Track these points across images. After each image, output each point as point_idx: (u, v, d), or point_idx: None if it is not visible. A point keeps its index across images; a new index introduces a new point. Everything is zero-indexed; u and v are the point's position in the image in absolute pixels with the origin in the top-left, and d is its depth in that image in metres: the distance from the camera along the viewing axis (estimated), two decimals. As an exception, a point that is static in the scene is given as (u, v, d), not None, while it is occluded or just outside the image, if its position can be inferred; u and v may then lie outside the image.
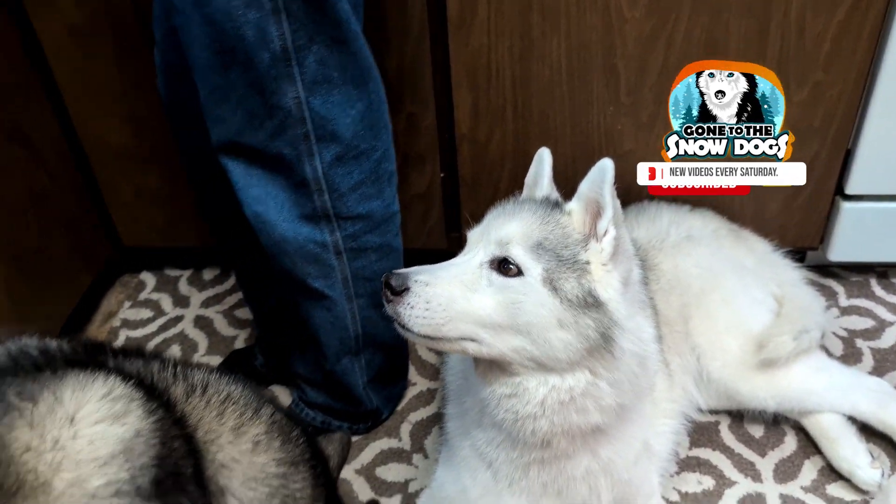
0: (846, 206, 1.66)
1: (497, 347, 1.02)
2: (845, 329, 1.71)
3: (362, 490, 1.47)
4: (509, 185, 1.65)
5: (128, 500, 0.71)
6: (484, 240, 1.06)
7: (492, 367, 1.06)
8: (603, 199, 1.01)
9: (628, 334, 1.02)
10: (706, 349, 1.47)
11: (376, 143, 1.32)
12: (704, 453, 1.49)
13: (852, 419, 1.46)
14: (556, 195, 1.13)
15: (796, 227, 1.70)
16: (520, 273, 1.01)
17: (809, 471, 1.45)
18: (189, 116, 1.31)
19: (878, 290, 1.79)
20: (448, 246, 1.78)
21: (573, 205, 1.05)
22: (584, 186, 1.04)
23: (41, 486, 0.68)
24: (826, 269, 1.85)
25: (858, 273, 1.84)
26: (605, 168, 0.99)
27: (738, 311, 1.48)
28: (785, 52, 1.45)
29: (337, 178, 1.29)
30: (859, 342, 1.68)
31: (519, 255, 1.01)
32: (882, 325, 1.71)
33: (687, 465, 1.48)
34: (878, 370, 1.61)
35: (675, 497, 1.42)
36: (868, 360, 1.64)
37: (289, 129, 1.19)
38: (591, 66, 1.50)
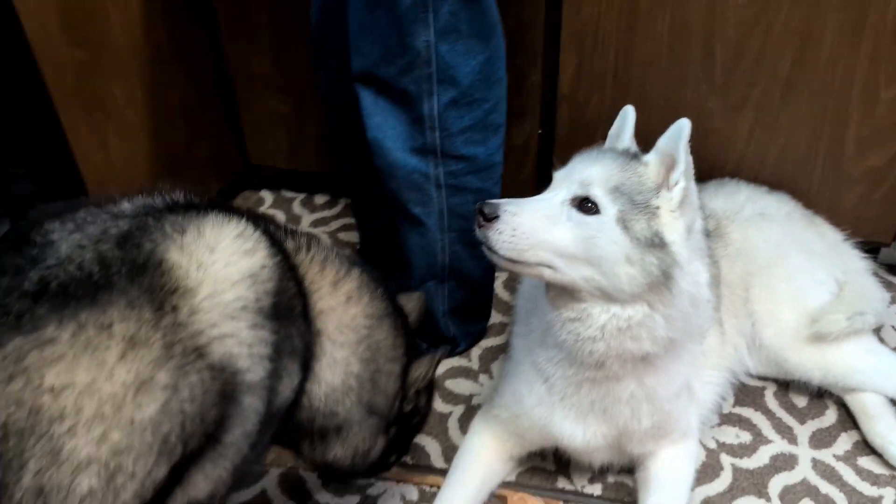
0: (923, 206, 1.74)
1: (570, 275, 1.17)
2: (904, 324, 1.79)
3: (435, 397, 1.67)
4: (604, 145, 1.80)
5: (251, 315, 0.91)
6: (567, 180, 1.21)
7: (562, 293, 1.21)
8: (678, 153, 1.15)
9: (687, 275, 1.16)
10: (762, 317, 1.59)
11: (489, 95, 1.48)
12: (747, 412, 1.62)
13: (894, 402, 1.56)
14: (635, 148, 1.27)
15: (872, 220, 1.78)
16: (597, 212, 1.15)
17: (844, 442, 1.55)
18: (333, 45, 1.51)
19: (945, 294, 1.85)
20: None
21: (651, 157, 1.20)
22: (663, 142, 1.18)
23: (189, 291, 0.89)
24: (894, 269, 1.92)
25: (928, 276, 1.91)
26: (682, 126, 1.13)
27: (799, 286, 1.59)
28: (878, 50, 1.54)
29: (449, 120, 1.47)
30: (917, 338, 1.75)
31: (598, 195, 1.16)
32: (942, 327, 1.78)
33: (728, 419, 1.60)
34: (930, 365, 1.69)
35: (712, 445, 1.55)
36: (922, 355, 1.71)
37: (416, 69, 1.37)
38: (690, 45, 1.63)
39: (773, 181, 1.76)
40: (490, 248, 1.18)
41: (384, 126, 1.47)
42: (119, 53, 1.61)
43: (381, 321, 1.14)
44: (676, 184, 1.15)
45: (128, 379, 0.82)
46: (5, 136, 1.53)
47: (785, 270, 1.60)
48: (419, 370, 1.21)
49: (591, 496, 1.47)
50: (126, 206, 0.97)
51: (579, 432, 1.33)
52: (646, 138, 1.53)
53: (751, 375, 1.66)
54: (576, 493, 1.48)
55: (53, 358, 0.79)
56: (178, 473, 0.88)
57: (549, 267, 1.17)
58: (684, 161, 1.15)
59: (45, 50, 1.41)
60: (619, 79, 1.71)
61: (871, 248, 1.82)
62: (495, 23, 1.43)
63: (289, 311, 0.99)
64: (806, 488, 1.47)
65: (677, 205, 1.15)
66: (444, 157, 1.51)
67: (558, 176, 1.25)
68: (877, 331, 1.75)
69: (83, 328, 0.81)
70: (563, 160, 1.86)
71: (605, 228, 1.14)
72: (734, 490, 1.47)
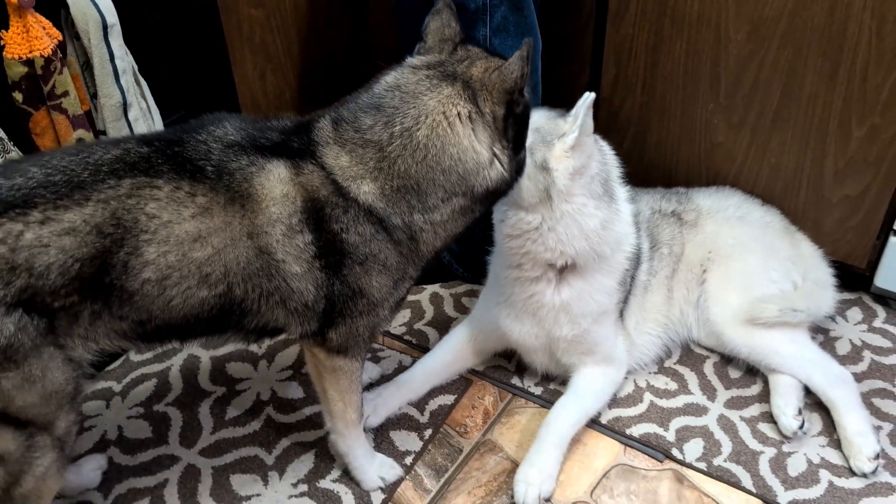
0: (893, 241, 1.96)
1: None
2: (861, 340, 2.01)
3: (448, 304, 2.18)
4: (631, 144, 2.21)
5: (284, 225, 1.31)
6: None
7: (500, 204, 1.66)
8: (577, 112, 1.56)
9: (567, 202, 1.58)
10: (712, 296, 1.93)
11: (530, 79, 1.96)
12: (683, 370, 1.96)
13: (808, 392, 1.84)
14: (574, 112, 1.63)
15: (849, 244, 2.02)
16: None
17: (754, 409, 1.86)
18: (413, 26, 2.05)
19: (915, 326, 2.05)
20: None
21: (569, 116, 1.61)
22: (576, 107, 1.58)
23: (255, 200, 1.29)
24: (883, 298, 2.13)
25: (909, 310, 2.10)
26: (586, 96, 1.54)
27: (750, 279, 1.91)
28: (850, 92, 1.82)
29: None
30: (867, 353, 1.98)
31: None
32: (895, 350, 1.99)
33: (665, 371, 1.96)
34: (865, 375, 1.92)
35: (642, 384, 1.92)
36: (862, 366, 1.95)
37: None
38: (700, 69, 1.99)
39: (766, 196, 2.06)
40: None
41: None
42: (284, 13, 2.26)
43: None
44: (570, 133, 1.57)
45: (191, 229, 1.25)
46: (186, 75, 2.22)
47: (742, 264, 1.92)
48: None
49: (532, 394, 1.91)
50: (247, 129, 1.38)
51: (516, 328, 1.80)
52: (666, 143, 1.97)
53: (697, 344, 2.00)
54: (522, 389, 1.93)
55: (155, 197, 1.27)
56: (231, 302, 1.35)
57: None
58: (581, 118, 1.55)
59: (230, 10, 2.08)
60: (646, 89, 2.10)
61: (865, 277, 2.07)
62: (534, 26, 1.90)
63: (321, 220, 1.33)
64: (702, 432, 1.81)
65: (568, 147, 1.56)
66: None
67: None
68: (832, 340, 2.01)
69: (178, 189, 1.28)
70: (601, 151, 2.28)
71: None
72: (642, 418, 1.85)
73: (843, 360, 1.95)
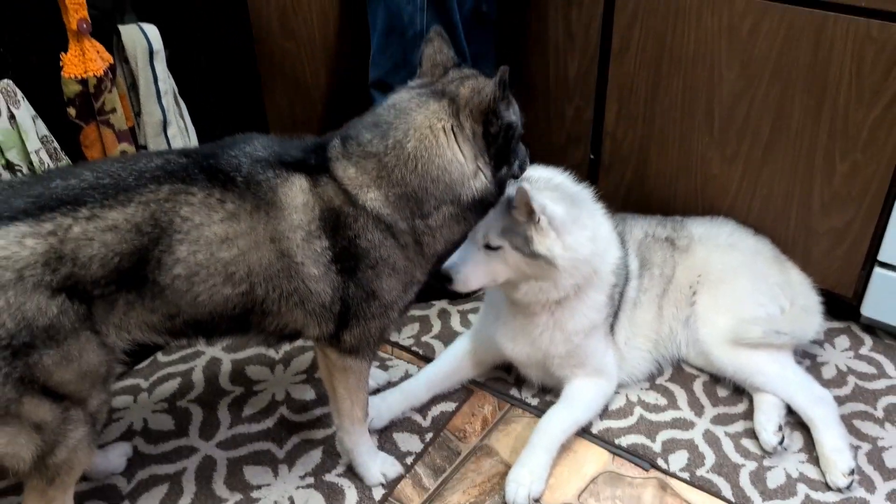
0: (878, 271, 2.06)
1: (503, 278, 1.79)
2: (847, 366, 2.10)
3: (455, 320, 2.31)
4: (633, 175, 2.34)
5: (304, 231, 1.46)
6: (479, 232, 1.76)
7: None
8: (534, 205, 1.67)
9: (564, 258, 1.73)
10: (701, 317, 2.04)
11: None
12: (673, 387, 2.07)
13: (791, 411, 1.93)
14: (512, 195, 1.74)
15: (836, 273, 2.13)
16: (500, 247, 1.76)
17: (739, 426, 1.95)
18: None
19: (900, 355, 2.14)
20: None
21: (514, 209, 1.72)
22: (515, 199, 1.70)
23: (278, 208, 1.45)
24: (871, 328, 2.22)
25: (894, 338, 2.18)
26: (522, 191, 1.65)
27: (738, 302, 2.01)
28: (833, 129, 1.94)
29: None
30: (851, 377, 2.07)
31: (495, 239, 1.75)
32: (880, 376, 2.07)
33: (656, 388, 2.07)
34: (848, 398, 2.01)
35: (633, 399, 2.03)
36: (846, 389, 2.04)
37: (413, 78, 2.02)
38: (696, 104, 2.13)
39: (758, 226, 2.18)
40: (459, 290, 1.81)
41: None
42: (314, 45, 2.44)
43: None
44: (538, 221, 1.70)
45: (219, 232, 1.40)
46: (222, 100, 2.39)
47: (731, 288, 2.04)
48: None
49: (529, 405, 2.03)
50: (275, 148, 1.56)
51: (511, 347, 1.94)
52: (664, 174, 2.11)
53: (688, 364, 2.11)
54: (520, 400, 2.05)
55: (189, 202, 1.43)
56: (252, 301, 1.50)
57: (493, 280, 1.81)
58: (541, 210, 1.69)
59: (263, 41, 2.27)
60: (646, 123, 2.24)
61: (854, 307, 2.17)
62: (464, 51, 2.05)
63: (336, 227, 1.48)
64: (688, 444, 1.91)
65: (546, 229, 1.70)
66: None
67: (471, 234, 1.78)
68: (818, 365, 2.11)
69: (210, 196, 1.44)
70: (605, 181, 2.43)
71: (508, 255, 1.75)
72: (631, 430, 1.95)
73: (828, 384, 2.04)
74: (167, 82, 1.84)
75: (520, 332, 1.91)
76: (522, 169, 1.70)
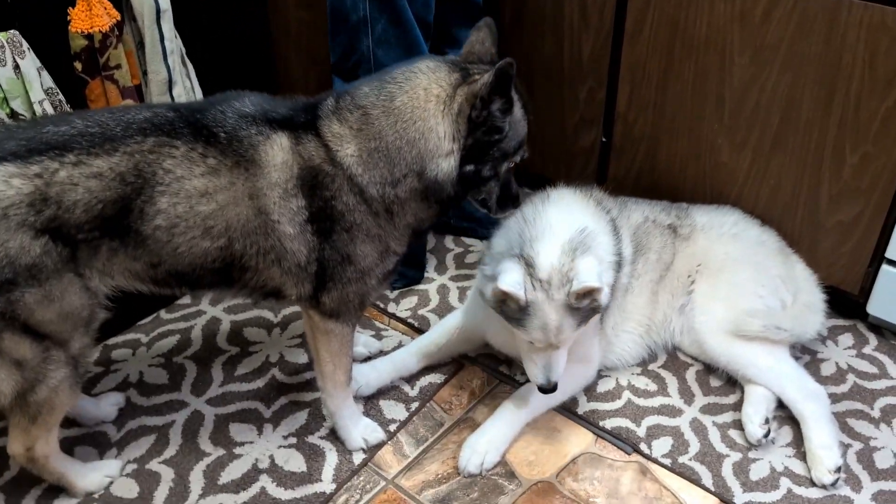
0: (885, 269, 2.00)
1: None
2: (848, 364, 2.05)
3: (453, 295, 2.32)
4: (643, 159, 2.32)
5: (280, 189, 1.48)
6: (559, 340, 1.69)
7: None
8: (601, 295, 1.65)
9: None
10: (698, 306, 2.01)
11: None
12: (665, 374, 2.05)
13: (781, 405, 1.90)
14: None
15: (842, 269, 2.07)
16: None
17: (728, 417, 1.92)
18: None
19: (905, 356, 2.08)
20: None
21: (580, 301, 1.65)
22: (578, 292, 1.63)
23: (259, 166, 1.47)
24: (877, 328, 2.16)
25: (901, 340, 2.13)
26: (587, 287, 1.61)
27: (737, 292, 1.98)
28: (844, 120, 1.89)
29: None
30: (851, 376, 2.02)
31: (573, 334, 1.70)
32: (881, 377, 2.02)
33: (647, 373, 2.05)
34: (845, 396, 1.97)
35: (623, 383, 2.01)
36: (844, 387, 1.99)
37: (363, 64, 2.00)
38: (707, 90, 2.09)
39: (765, 217, 2.14)
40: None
41: None
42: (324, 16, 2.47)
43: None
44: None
45: (199, 186, 1.44)
46: (233, 65, 2.43)
47: (731, 277, 2.00)
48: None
49: (518, 382, 2.03)
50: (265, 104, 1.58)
51: (497, 338, 1.97)
52: (675, 160, 2.09)
53: (681, 352, 2.08)
54: (509, 377, 2.05)
55: (172, 155, 1.46)
56: (231, 256, 1.52)
57: None
58: (605, 297, 1.68)
59: (279, 10, 2.30)
60: (657, 108, 2.21)
61: (861, 305, 2.11)
62: (416, 41, 2.01)
63: (314, 187, 1.49)
64: (673, 431, 1.89)
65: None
66: None
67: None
68: (818, 361, 2.06)
69: (192, 150, 1.47)
70: (615, 164, 2.41)
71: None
72: (618, 413, 1.94)
73: (826, 381, 2.00)
74: (174, 42, 1.87)
75: (508, 329, 1.84)
76: (504, 196, 1.65)
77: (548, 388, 1.74)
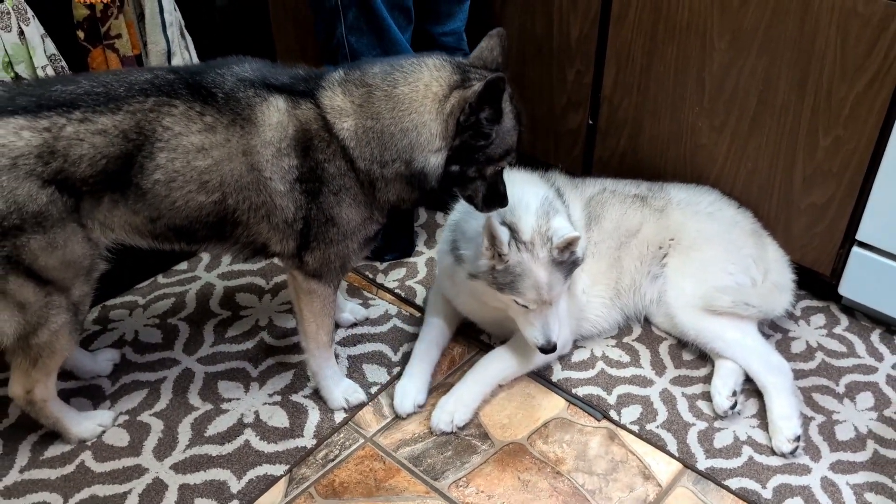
0: (856, 251, 2.06)
1: None
2: (818, 343, 2.12)
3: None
4: (627, 141, 2.38)
5: (274, 148, 1.57)
6: (548, 297, 1.79)
7: None
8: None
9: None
10: (670, 281, 2.08)
11: None
12: (639, 346, 2.12)
13: (749, 380, 1.96)
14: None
15: (815, 250, 2.14)
16: None
17: (697, 388, 2.00)
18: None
19: (873, 336, 2.14)
20: (583, 170, 2.54)
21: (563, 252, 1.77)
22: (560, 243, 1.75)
23: (255, 125, 1.56)
24: (850, 310, 2.22)
25: (872, 321, 2.18)
26: (567, 237, 1.73)
27: (707, 268, 2.05)
28: (817, 104, 1.95)
29: None
30: (819, 353, 2.09)
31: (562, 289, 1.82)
32: (849, 355, 2.08)
33: (622, 345, 2.12)
34: (812, 372, 2.03)
35: (598, 353, 2.09)
36: (812, 364, 2.05)
37: (340, 49, 2.08)
38: (688, 73, 2.15)
39: (742, 198, 2.20)
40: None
41: None
42: None
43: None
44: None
45: (196, 142, 1.54)
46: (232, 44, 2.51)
47: (702, 254, 2.07)
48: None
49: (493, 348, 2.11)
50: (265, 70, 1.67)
51: (469, 309, 2.04)
52: (657, 142, 2.16)
53: (655, 326, 2.16)
54: (487, 345, 2.12)
55: (171, 114, 1.55)
56: (224, 210, 1.61)
57: None
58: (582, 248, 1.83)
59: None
60: (641, 90, 2.27)
61: (835, 286, 2.18)
62: (388, 28, 2.07)
63: (307, 149, 1.59)
64: (643, 400, 1.97)
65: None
66: None
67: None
68: (789, 340, 2.13)
69: (190, 109, 1.56)
70: (601, 146, 2.47)
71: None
72: (590, 381, 2.02)
73: (794, 357, 2.07)
74: (173, 14, 1.96)
75: (477, 300, 1.94)
76: (491, 195, 1.69)
77: (548, 348, 1.83)
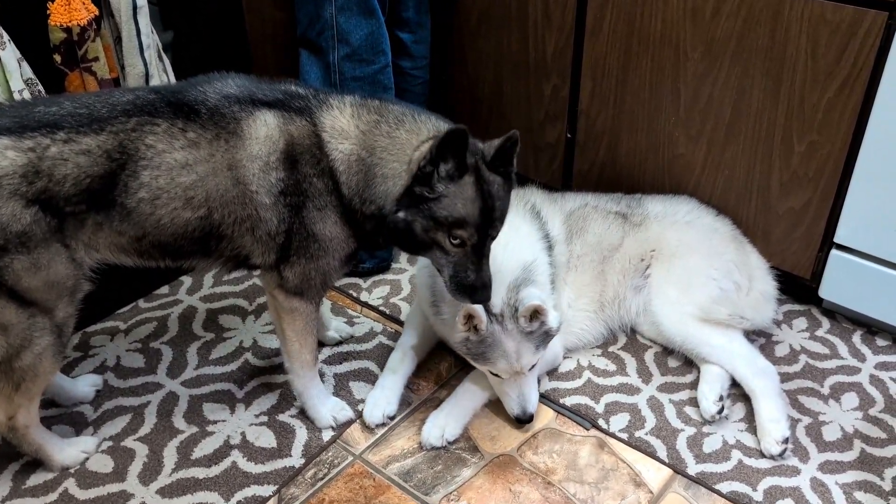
0: (835, 253, 2.09)
1: None
2: (801, 346, 2.14)
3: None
4: (605, 153, 2.41)
5: (262, 162, 1.58)
6: (523, 366, 1.81)
7: None
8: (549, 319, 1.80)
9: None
10: (654, 289, 2.10)
11: (375, 59, 2.21)
12: (624, 355, 2.13)
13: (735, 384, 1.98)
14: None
15: (794, 254, 2.16)
16: None
17: (684, 395, 2.00)
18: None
19: (854, 337, 2.17)
20: (563, 184, 2.56)
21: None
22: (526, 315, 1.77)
23: (241, 139, 1.57)
24: (831, 313, 2.25)
25: (853, 323, 2.21)
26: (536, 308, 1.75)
27: (690, 275, 2.07)
28: (790, 111, 1.99)
29: (345, 69, 2.21)
30: (803, 356, 2.11)
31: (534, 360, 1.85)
32: (832, 357, 2.11)
33: (608, 355, 2.13)
34: (797, 375, 2.05)
35: (584, 363, 2.09)
36: (796, 367, 2.07)
37: (325, 31, 2.14)
38: (664, 84, 2.19)
39: (721, 206, 2.23)
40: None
41: (310, 71, 2.25)
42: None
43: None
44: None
45: (179, 158, 1.56)
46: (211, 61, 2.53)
47: (684, 262, 2.09)
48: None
49: (482, 364, 2.10)
50: (250, 86, 1.67)
51: (437, 327, 2.01)
52: (634, 153, 2.19)
53: (640, 335, 2.17)
54: (474, 360, 2.12)
55: (153, 132, 1.56)
56: (210, 225, 1.61)
57: None
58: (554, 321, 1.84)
59: (253, 10, 2.37)
60: (617, 102, 2.30)
61: (813, 290, 2.20)
62: (375, 8, 2.16)
63: (295, 163, 1.59)
64: (631, 408, 1.97)
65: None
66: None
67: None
68: (772, 344, 2.15)
69: (172, 126, 1.57)
70: (580, 160, 2.49)
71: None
72: (577, 391, 2.02)
73: (778, 361, 2.09)
74: (150, 37, 1.95)
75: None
76: (459, 281, 1.63)
77: (524, 419, 1.87)
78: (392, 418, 1.94)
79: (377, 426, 1.92)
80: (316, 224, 1.64)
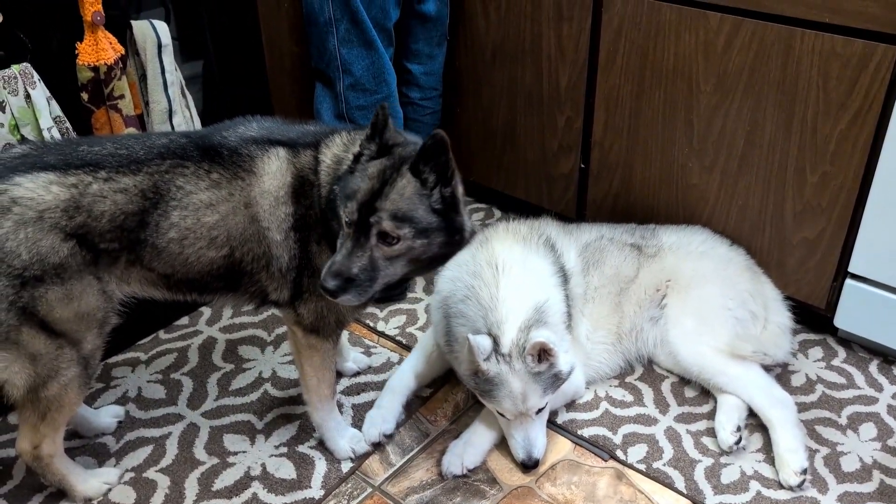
0: (849, 283, 2.10)
1: None
2: (817, 375, 2.14)
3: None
4: (619, 184, 2.43)
5: (272, 197, 1.61)
6: (529, 409, 1.81)
7: None
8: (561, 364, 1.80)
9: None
10: (671, 319, 2.11)
11: (378, 88, 2.33)
12: (641, 385, 2.13)
13: (752, 413, 1.98)
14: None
15: (809, 284, 2.17)
16: None
17: (701, 425, 2.01)
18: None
19: (871, 367, 2.16)
20: (577, 214, 2.59)
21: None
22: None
23: (256, 177, 1.63)
24: (846, 342, 2.25)
25: (869, 352, 2.21)
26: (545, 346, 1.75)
27: (706, 306, 2.09)
28: (803, 142, 2.01)
29: (350, 98, 2.34)
30: (819, 386, 2.11)
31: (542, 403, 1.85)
32: (849, 386, 2.11)
33: (625, 385, 2.14)
34: (813, 405, 2.05)
35: (602, 394, 2.10)
36: (813, 397, 2.07)
37: (331, 62, 2.26)
38: (676, 116, 2.21)
39: (735, 236, 2.25)
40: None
41: (322, 101, 2.38)
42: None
43: None
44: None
45: (204, 199, 1.61)
46: (232, 97, 2.58)
47: (700, 292, 2.11)
48: None
49: (500, 395, 2.11)
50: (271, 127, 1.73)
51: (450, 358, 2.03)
52: (648, 184, 2.20)
53: (657, 365, 2.18)
54: (491, 390, 2.13)
55: (183, 174, 1.61)
56: (232, 263, 1.65)
57: None
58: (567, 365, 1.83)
59: (273, 45, 2.43)
60: (630, 134, 2.33)
61: (831, 320, 2.21)
62: (373, 40, 2.29)
63: (301, 196, 1.63)
64: (648, 439, 1.97)
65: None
66: (350, 122, 2.37)
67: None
68: (788, 373, 2.15)
69: (199, 168, 1.62)
70: (594, 189, 2.52)
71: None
72: (595, 422, 2.03)
73: (795, 391, 2.09)
74: (174, 74, 2.00)
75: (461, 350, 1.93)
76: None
77: (528, 465, 1.86)
78: (389, 437, 1.97)
79: (373, 444, 1.95)
80: (318, 258, 1.68)
